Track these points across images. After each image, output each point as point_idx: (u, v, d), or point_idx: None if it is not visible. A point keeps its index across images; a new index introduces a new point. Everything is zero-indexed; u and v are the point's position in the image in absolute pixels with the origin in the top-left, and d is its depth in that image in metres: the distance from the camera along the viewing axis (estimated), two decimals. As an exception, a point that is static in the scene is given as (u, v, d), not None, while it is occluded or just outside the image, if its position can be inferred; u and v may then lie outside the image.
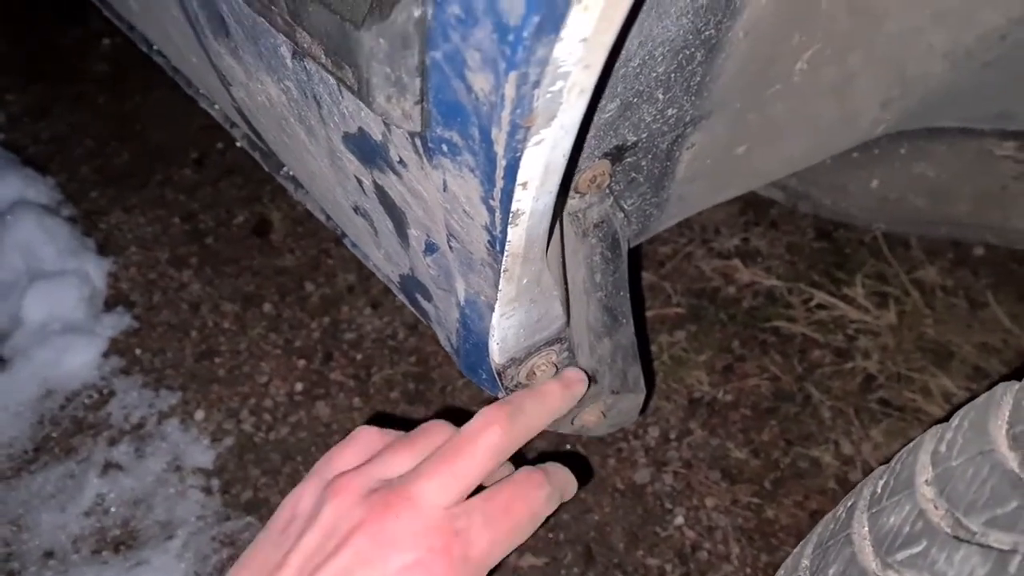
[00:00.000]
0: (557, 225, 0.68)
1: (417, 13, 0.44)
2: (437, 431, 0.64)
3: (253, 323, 1.65)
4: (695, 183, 0.90)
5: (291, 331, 1.63)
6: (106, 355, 1.59)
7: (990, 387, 1.34)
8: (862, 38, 0.83)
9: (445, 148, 0.50)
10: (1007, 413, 0.42)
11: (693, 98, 0.74)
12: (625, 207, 0.84)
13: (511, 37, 0.38)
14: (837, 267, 1.65)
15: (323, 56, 0.53)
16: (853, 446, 1.39)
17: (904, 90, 0.91)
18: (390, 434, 0.66)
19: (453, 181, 0.52)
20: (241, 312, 1.67)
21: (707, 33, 0.66)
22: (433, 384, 1.53)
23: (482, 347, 0.68)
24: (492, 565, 0.59)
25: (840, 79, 0.87)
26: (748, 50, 0.73)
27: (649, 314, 1.59)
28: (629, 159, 0.75)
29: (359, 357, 1.58)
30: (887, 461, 1.40)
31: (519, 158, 0.46)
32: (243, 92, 0.83)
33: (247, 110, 0.88)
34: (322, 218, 0.96)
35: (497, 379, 0.69)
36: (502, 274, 0.56)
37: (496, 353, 0.66)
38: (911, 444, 0.48)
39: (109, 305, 1.69)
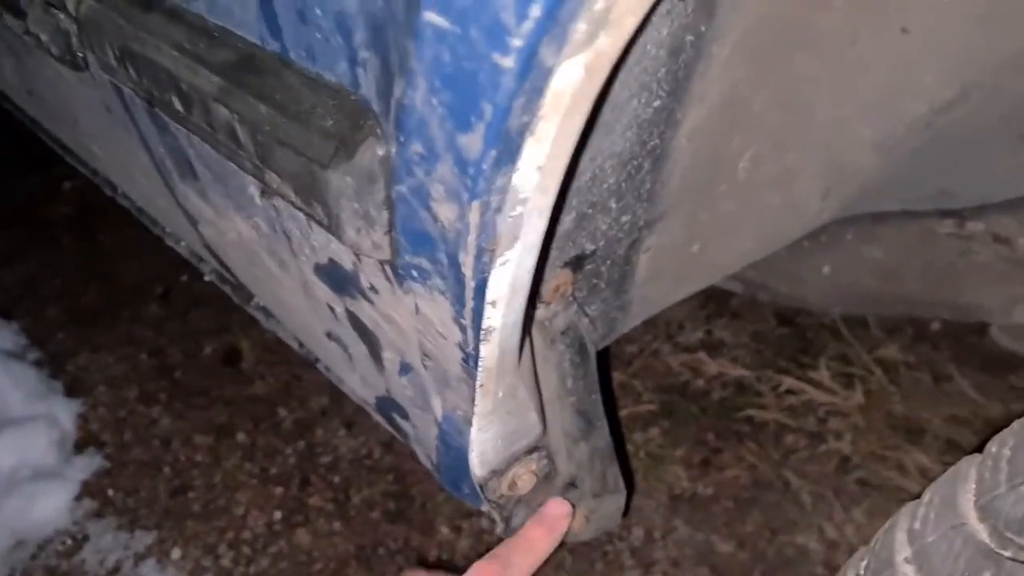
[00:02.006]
0: (528, 337, 0.70)
1: (380, 152, 0.47)
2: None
3: (227, 454, 1.63)
4: (655, 283, 0.93)
5: (266, 459, 1.62)
6: (78, 499, 1.56)
7: (962, 459, 1.36)
8: (796, 134, 0.87)
9: (415, 273, 0.52)
10: (973, 486, 0.43)
11: (645, 204, 0.78)
12: (589, 312, 0.86)
13: (472, 170, 0.41)
14: (802, 352, 1.68)
15: (292, 194, 0.56)
16: (836, 529, 1.39)
17: (842, 179, 0.96)
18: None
19: (425, 304, 0.54)
20: (214, 444, 1.65)
21: (652, 143, 0.69)
22: (413, 501, 1.52)
23: (462, 462, 0.69)
24: None
25: (781, 174, 0.92)
26: (692, 155, 0.77)
27: (622, 413, 1.61)
28: (589, 266, 0.78)
29: (336, 480, 1.57)
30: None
31: (487, 279, 0.48)
32: (212, 230, 0.85)
33: (216, 246, 0.90)
34: (295, 345, 0.98)
35: (479, 492, 0.70)
36: (478, 389, 0.58)
37: (477, 466, 0.67)
38: (888, 523, 0.50)
39: (79, 447, 1.67)
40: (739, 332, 1.74)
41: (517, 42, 0.34)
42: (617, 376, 1.68)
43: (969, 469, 0.45)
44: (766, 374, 1.65)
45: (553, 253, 0.71)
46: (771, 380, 1.64)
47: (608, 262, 0.81)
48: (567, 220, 0.68)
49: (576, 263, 0.75)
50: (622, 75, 0.58)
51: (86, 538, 1.50)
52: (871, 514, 1.40)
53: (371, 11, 0.44)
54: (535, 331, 0.76)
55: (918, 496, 1.33)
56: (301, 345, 0.96)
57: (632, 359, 1.71)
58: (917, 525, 0.45)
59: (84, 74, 0.84)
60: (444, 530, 1.46)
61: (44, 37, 0.79)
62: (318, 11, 0.48)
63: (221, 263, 0.96)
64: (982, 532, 0.42)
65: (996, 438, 0.44)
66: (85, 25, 0.73)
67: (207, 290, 1.98)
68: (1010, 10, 0.75)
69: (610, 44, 0.35)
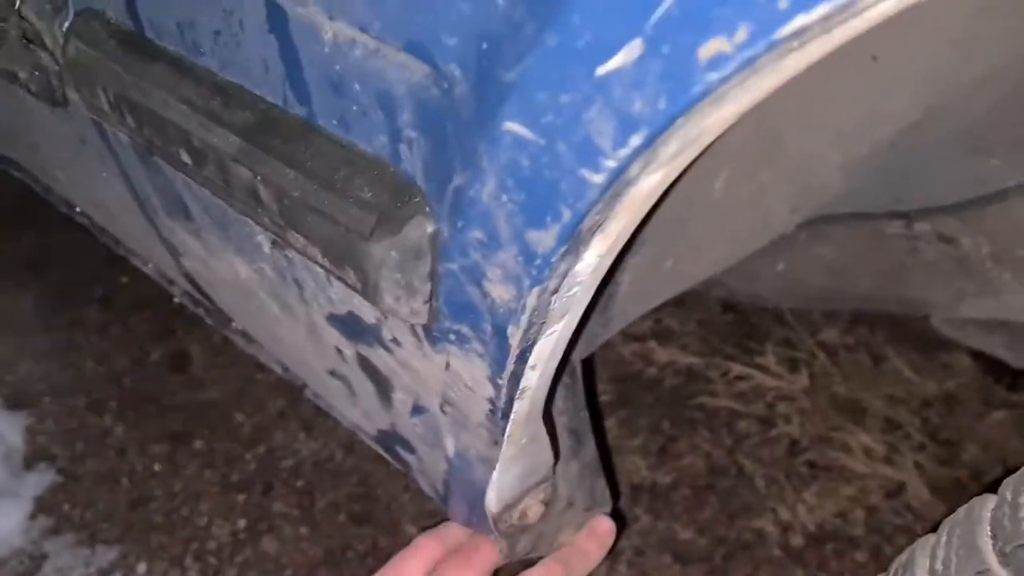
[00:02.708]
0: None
1: (430, 230, 0.48)
2: (486, 547, 0.77)
3: (185, 462, 1.61)
4: (632, 299, 0.96)
5: (226, 465, 1.60)
6: (33, 516, 1.52)
7: (905, 439, 1.43)
8: (769, 160, 0.91)
9: (452, 338, 0.53)
10: (989, 530, 0.47)
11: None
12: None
13: (539, 262, 0.42)
14: (747, 337, 1.74)
15: (320, 256, 0.56)
16: (789, 511, 1.46)
17: (809, 197, 1.00)
18: (444, 543, 0.79)
19: (458, 363, 0.56)
20: (171, 452, 1.63)
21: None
22: (378, 502, 1.53)
23: (474, 496, 0.71)
24: None
25: (753, 194, 0.95)
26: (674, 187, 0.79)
27: (580, 405, 1.64)
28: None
29: (300, 484, 1.56)
30: (823, 523, 1.46)
31: (531, 347, 0.50)
32: (199, 265, 0.84)
33: (199, 279, 0.89)
34: (278, 370, 0.98)
35: (492, 524, 0.72)
36: (506, 439, 0.60)
37: (494, 504, 0.69)
38: (904, 557, 0.53)
39: (29, 462, 1.62)
40: (686, 320, 1.80)
41: (611, 163, 0.35)
42: (571, 368, 1.71)
43: (983, 511, 0.49)
44: (714, 361, 1.71)
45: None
46: (720, 367, 1.69)
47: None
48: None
49: (572, 293, 0.77)
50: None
51: (44, 556, 1.47)
52: (821, 495, 1.47)
53: (423, 98, 0.44)
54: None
55: (864, 477, 1.38)
56: (286, 370, 0.96)
57: (585, 350, 1.75)
58: (939, 567, 0.49)
59: (59, 109, 0.81)
60: (411, 530, 1.48)
61: (22, 75, 0.76)
62: (357, 87, 0.49)
63: (200, 291, 0.95)
64: (1008, 579, 0.46)
65: (1009, 482, 0.48)
66: (73, 67, 0.71)
67: (149, 292, 1.93)
68: (984, 33, 0.79)
69: (690, 157, 0.37)
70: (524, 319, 0.46)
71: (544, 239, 0.41)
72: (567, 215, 0.39)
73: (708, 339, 1.75)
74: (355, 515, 1.51)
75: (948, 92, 0.86)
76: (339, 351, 0.71)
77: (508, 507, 0.71)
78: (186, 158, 0.63)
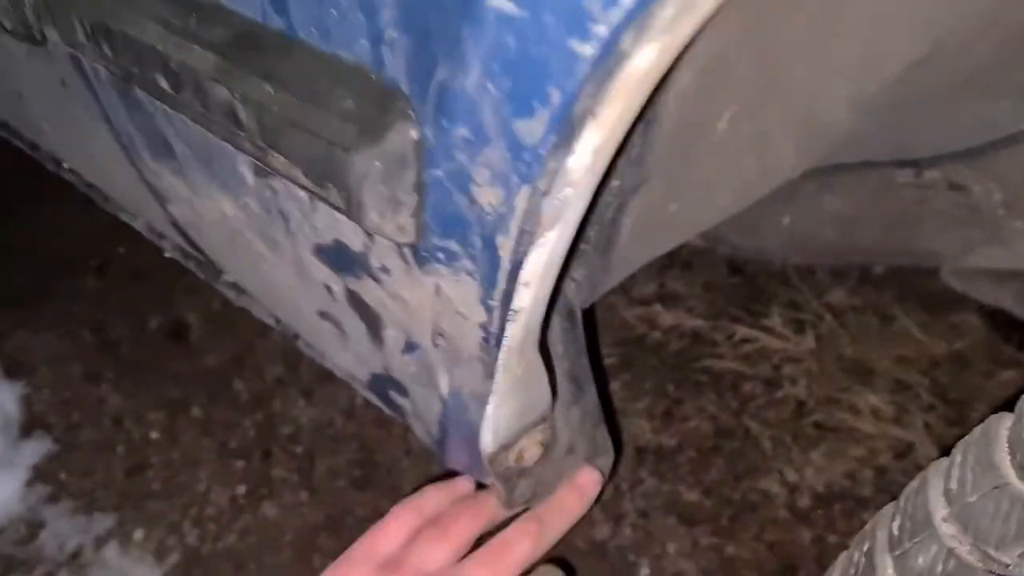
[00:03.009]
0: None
1: (414, 135, 0.45)
2: (464, 517, 0.74)
3: (183, 430, 1.59)
4: (635, 243, 0.93)
5: (225, 432, 1.58)
6: (30, 484, 1.51)
7: (914, 399, 1.40)
8: (774, 95, 0.88)
9: (441, 256, 0.51)
10: (1007, 446, 0.45)
11: (634, 168, 0.77)
12: (576, 277, 0.86)
13: (527, 155, 0.40)
14: (753, 300, 1.71)
15: (301, 177, 0.54)
16: (796, 472, 1.44)
17: (816, 137, 0.97)
18: (421, 513, 0.76)
19: (448, 285, 0.53)
20: (168, 420, 1.61)
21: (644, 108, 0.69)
22: (378, 467, 1.51)
23: (469, 437, 0.69)
24: None
25: (758, 133, 0.92)
26: (678, 119, 0.77)
27: (582, 369, 1.62)
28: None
29: (299, 450, 1.54)
30: (831, 483, 1.44)
31: (523, 260, 0.47)
32: (185, 209, 0.82)
33: (188, 225, 0.87)
34: (270, 322, 0.95)
35: (487, 466, 0.70)
36: (499, 369, 0.57)
37: (489, 443, 0.66)
38: (916, 483, 0.51)
39: (26, 431, 1.60)
40: (691, 283, 1.77)
41: (601, 29, 0.33)
42: (574, 332, 1.69)
43: (1000, 429, 0.46)
44: (720, 323, 1.68)
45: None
46: (725, 329, 1.67)
47: (596, 227, 0.81)
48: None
49: (569, 230, 0.74)
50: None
51: (42, 524, 1.45)
52: (828, 456, 1.45)
53: (404, -11, 0.42)
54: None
55: (873, 437, 1.36)
56: (278, 322, 0.94)
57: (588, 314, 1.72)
58: (954, 485, 0.46)
59: (37, 48, 0.79)
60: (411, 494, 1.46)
61: (-4, 9, 0.74)
62: (335, -13, 0.46)
63: (189, 241, 0.93)
64: (1030, 492, 0.43)
65: (1026, 397, 0.46)
66: (48, -2, 0.68)
67: (146, 261, 1.92)
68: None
69: (687, 29, 0.34)
70: (514, 226, 0.44)
71: (532, 128, 0.38)
72: (556, 97, 0.36)
73: (714, 302, 1.73)
74: (355, 480, 1.49)
75: (948, 32, 0.83)
76: (328, 288, 0.69)
77: (504, 447, 0.68)
78: (164, 84, 0.61)
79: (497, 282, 0.49)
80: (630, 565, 1.34)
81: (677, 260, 1.81)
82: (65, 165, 1.13)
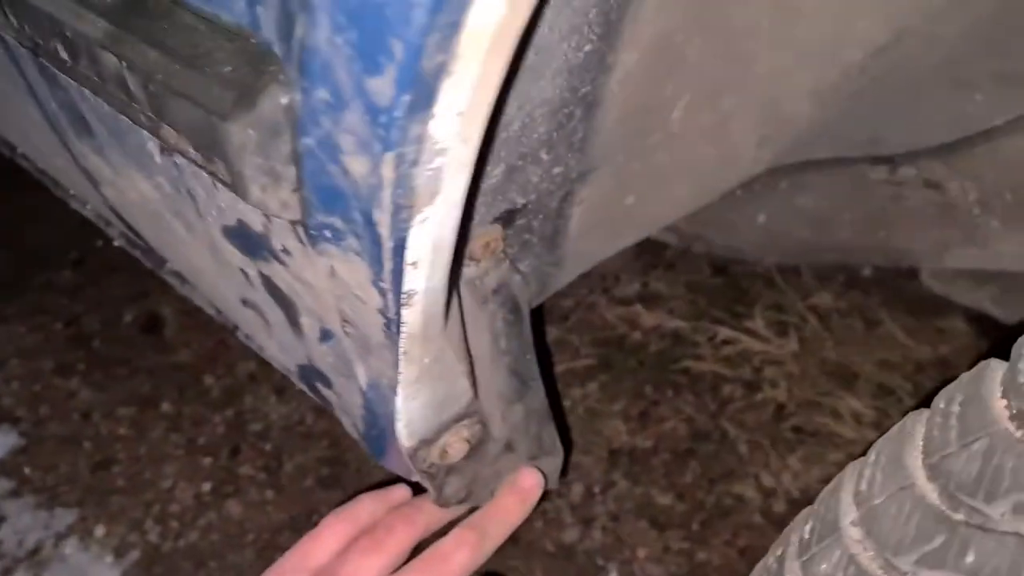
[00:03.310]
0: (455, 297, 0.66)
1: (284, 100, 0.42)
2: (400, 527, 0.71)
3: (151, 425, 1.57)
4: (589, 237, 0.90)
5: (193, 429, 1.56)
6: (-8, 478, 1.49)
7: (897, 404, 1.37)
8: (732, 83, 0.85)
9: (328, 234, 0.48)
10: (920, 444, 0.41)
11: (577, 154, 0.74)
12: (522, 269, 0.83)
13: (384, 118, 0.36)
14: (736, 301, 1.67)
15: (192, 151, 0.51)
16: (773, 477, 1.40)
17: (776, 127, 0.94)
18: (356, 522, 0.74)
19: (340, 266, 0.50)
20: (137, 415, 1.59)
21: (584, 90, 0.66)
22: (347, 466, 1.48)
23: (390, 431, 0.66)
24: None
25: (716, 123, 0.89)
26: (624, 103, 0.74)
27: (559, 369, 1.58)
28: (520, 221, 0.74)
29: (268, 447, 1.52)
30: (807, 489, 1.40)
31: (405, 238, 0.44)
32: (113, 191, 0.79)
33: (120, 208, 0.84)
34: (212, 312, 0.92)
35: (408, 462, 0.67)
36: (401, 356, 0.54)
37: (404, 437, 0.63)
38: (832, 484, 0.48)
39: (-8, 424, 1.59)
40: (674, 283, 1.73)
41: (428, -32, 0.30)
42: (554, 331, 1.66)
43: (916, 426, 0.43)
44: (702, 325, 1.64)
45: (481, 208, 0.67)
46: (707, 331, 1.63)
47: (540, 216, 0.77)
48: (496, 173, 0.64)
49: (507, 218, 0.71)
50: (549, 15, 0.54)
51: (3, 519, 1.43)
52: (806, 461, 1.41)
53: (265, -60, 0.39)
54: (464, 290, 0.72)
55: (853, 443, 1.32)
56: (219, 312, 0.91)
57: (568, 314, 1.69)
58: (864, 486, 0.43)
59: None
60: (380, 494, 1.43)
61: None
62: (209, -58, 0.43)
63: (128, 226, 0.90)
64: (932, 493, 0.40)
65: (944, 393, 0.42)
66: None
67: (124, 255, 1.89)
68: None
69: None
70: (387, 198, 0.41)
71: (383, 87, 0.35)
72: (399, 50, 0.33)
73: (696, 303, 1.69)
74: (323, 479, 1.46)
75: (912, 16, 0.80)
76: (244, 273, 0.66)
77: (425, 442, 0.65)
78: (64, 54, 0.58)
79: (383, 262, 0.46)
80: (598, 569, 1.31)
81: (661, 260, 1.78)
82: (19, 151, 1.11)
